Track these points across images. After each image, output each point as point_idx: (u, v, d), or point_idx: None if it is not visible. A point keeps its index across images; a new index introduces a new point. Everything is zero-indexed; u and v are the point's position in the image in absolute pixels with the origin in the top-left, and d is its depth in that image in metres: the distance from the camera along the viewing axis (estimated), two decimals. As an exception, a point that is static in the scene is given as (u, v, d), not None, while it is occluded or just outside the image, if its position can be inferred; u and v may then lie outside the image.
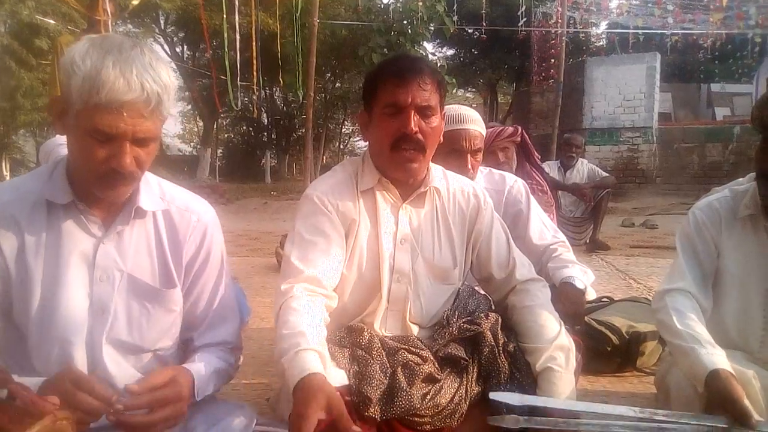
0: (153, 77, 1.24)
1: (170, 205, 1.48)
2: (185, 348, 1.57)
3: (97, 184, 1.30)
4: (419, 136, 1.67)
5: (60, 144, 4.09)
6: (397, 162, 1.70)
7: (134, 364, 1.43)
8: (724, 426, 1.49)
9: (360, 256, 1.75)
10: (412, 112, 1.65)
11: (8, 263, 1.31)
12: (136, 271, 1.41)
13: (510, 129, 3.50)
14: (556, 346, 1.69)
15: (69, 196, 1.35)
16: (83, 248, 1.36)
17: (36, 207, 1.34)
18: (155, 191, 1.47)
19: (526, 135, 3.62)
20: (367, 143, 1.83)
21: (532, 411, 1.55)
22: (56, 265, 1.33)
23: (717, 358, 1.62)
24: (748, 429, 1.46)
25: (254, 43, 10.54)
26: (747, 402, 1.50)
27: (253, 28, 10.69)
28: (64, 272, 1.33)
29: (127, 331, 1.40)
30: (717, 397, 1.54)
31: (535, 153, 3.77)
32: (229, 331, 1.60)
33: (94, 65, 1.21)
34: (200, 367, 1.43)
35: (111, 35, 1.37)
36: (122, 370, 1.40)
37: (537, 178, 3.69)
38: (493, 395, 1.56)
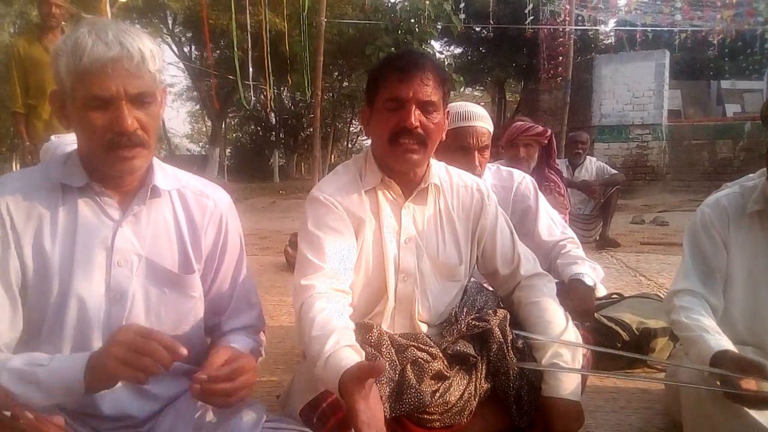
0: (131, 36, 1.26)
1: (185, 189, 1.49)
2: (210, 334, 1.57)
3: (107, 159, 1.30)
4: (420, 130, 1.66)
5: (61, 144, 4.10)
6: (396, 154, 1.68)
7: None
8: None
9: (366, 257, 1.74)
10: (413, 107, 1.64)
11: (25, 252, 1.30)
12: (154, 256, 1.41)
13: (540, 128, 3.51)
14: (562, 340, 1.69)
15: (84, 178, 1.35)
16: (101, 232, 1.35)
17: (52, 192, 1.34)
18: (169, 173, 1.48)
19: (553, 139, 3.63)
20: (370, 139, 1.83)
21: None
22: (73, 251, 1.32)
23: (724, 342, 1.62)
24: (765, 380, 1.44)
25: (265, 43, 10.56)
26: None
27: (265, 27, 10.71)
28: (81, 257, 1.33)
29: (145, 316, 1.40)
30: (729, 368, 1.51)
31: (555, 156, 3.78)
32: (254, 314, 1.62)
33: (72, 40, 1.24)
34: (241, 346, 1.47)
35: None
36: None
37: (554, 179, 3.70)
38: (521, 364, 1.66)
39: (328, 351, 1.36)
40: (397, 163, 1.72)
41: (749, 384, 1.44)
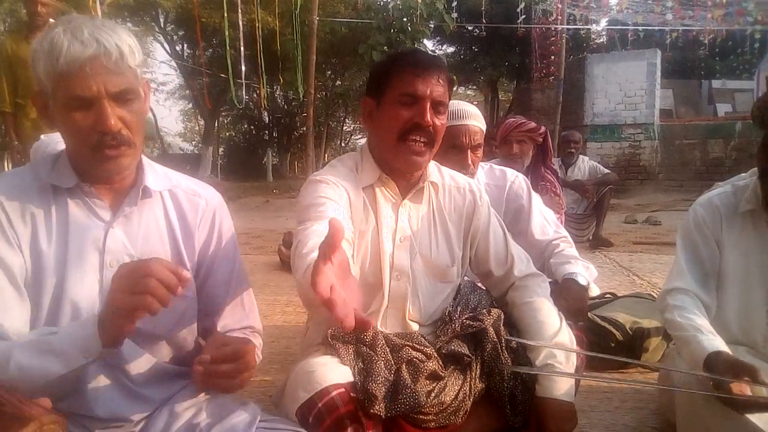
0: (107, 33, 1.24)
1: (177, 189, 1.48)
2: (205, 337, 1.55)
3: (94, 160, 1.29)
4: (431, 129, 1.66)
5: (51, 143, 4.09)
6: (403, 153, 1.68)
7: (149, 351, 1.41)
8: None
9: (363, 254, 1.74)
10: (428, 104, 1.65)
11: (24, 252, 1.29)
12: (146, 256, 1.37)
13: (532, 124, 3.52)
14: (556, 344, 1.69)
15: (73, 179, 1.34)
16: (92, 233, 1.34)
17: (43, 193, 1.33)
18: (160, 173, 1.47)
19: (549, 138, 3.64)
20: (368, 134, 1.81)
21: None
22: (66, 252, 1.31)
23: (718, 342, 1.62)
24: (757, 384, 1.44)
25: (257, 41, 10.53)
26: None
27: (257, 26, 10.67)
28: (74, 258, 1.32)
29: None
30: (722, 370, 1.51)
31: (552, 156, 3.80)
32: (249, 315, 1.59)
33: (48, 41, 1.22)
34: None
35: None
36: (137, 358, 1.38)
37: (550, 179, 3.72)
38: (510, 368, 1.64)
39: (312, 259, 1.20)
40: (403, 163, 1.71)
41: (741, 388, 1.44)
